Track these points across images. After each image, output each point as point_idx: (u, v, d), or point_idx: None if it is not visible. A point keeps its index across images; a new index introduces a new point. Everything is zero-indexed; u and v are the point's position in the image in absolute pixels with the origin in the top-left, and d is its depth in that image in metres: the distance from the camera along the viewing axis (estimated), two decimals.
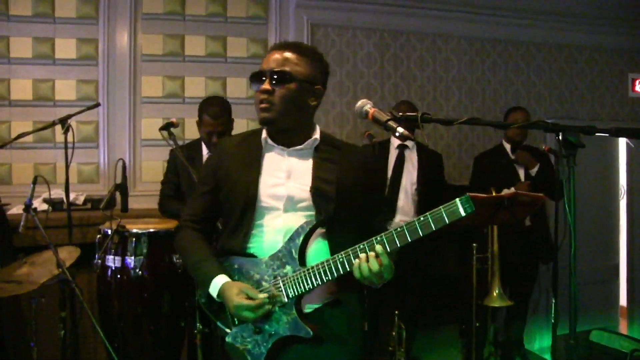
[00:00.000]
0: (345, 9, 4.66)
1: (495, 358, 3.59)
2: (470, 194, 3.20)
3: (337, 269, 1.70)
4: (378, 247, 1.64)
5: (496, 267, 3.48)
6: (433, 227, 1.58)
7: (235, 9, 4.47)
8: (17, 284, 2.53)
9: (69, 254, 2.76)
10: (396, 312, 3.22)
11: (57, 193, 3.58)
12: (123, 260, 2.93)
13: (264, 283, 1.81)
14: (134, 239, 2.92)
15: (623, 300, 5.83)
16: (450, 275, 4.28)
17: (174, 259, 2.99)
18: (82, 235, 3.45)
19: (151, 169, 4.26)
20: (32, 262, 2.74)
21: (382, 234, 1.65)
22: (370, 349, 3.58)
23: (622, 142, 5.83)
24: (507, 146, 4.25)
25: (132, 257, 2.91)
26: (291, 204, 1.84)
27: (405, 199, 3.71)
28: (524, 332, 4.39)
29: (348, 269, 1.69)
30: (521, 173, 4.13)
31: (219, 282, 1.82)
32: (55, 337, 2.88)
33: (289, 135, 1.88)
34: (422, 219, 1.59)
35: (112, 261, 2.94)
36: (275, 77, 1.79)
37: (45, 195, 3.42)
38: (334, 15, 4.66)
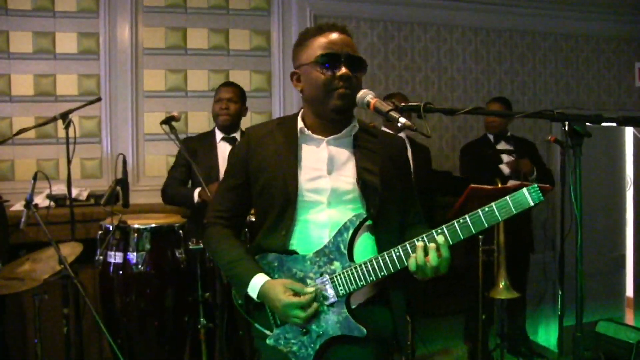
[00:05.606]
0: None
1: (502, 349, 3.56)
2: (474, 185, 3.23)
3: (393, 264, 1.61)
4: (439, 238, 1.55)
5: (502, 259, 3.46)
6: (499, 217, 1.48)
7: (237, 1, 4.43)
8: (19, 280, 2.53)
9: (71, 250, 2.76)
10: None
11: (60, 189, 3.57)
12: (125, 256, 2.92)
13: (308, 281, 1.70)
14: (135, 235, 2.92)
15: (629, 291, 5.80)
16: (455, 267, 4.24)
17: (177, 254, 2.98)
18: (85, 231, 3.44)
19: (154, 163, 4.24)
20: (35, 259, 2.74)
21: (443, 226, 1.55)
22: None
23: (629, 132, 5.78)
24: (491, 136, 4.23)
25: (134, 253, 2.91)
26: (336, 198, 1.73)
27: None
28: (525, 322, 4.36)
29: (405, 264, 1.60)
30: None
31: (258, 281, 1.70)
32: (59, 334, 2.87)
33: (331, 123, 1.76)
34: (486, 209, 1.49)
35: (114, 257, 2.94)
36: (354, 62, 1.70)
37: (49, 191, 3.41)
38: (337, 6, 4.61)
